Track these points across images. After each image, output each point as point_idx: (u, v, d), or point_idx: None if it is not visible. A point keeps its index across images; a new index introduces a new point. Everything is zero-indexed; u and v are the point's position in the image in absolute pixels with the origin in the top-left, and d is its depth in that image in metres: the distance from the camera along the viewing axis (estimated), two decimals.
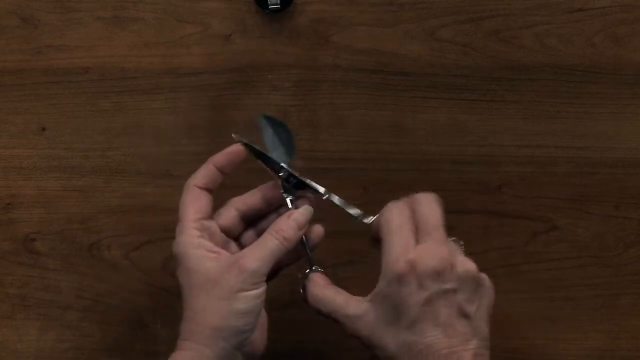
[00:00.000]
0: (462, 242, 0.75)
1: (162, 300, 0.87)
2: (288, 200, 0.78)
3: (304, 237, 0.77)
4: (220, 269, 0.74)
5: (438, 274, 0.71)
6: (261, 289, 0.74)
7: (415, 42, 0.86)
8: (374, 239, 0.76)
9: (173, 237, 0.86)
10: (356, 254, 0.87)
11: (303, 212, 0.77)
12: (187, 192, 0.77)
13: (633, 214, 0.87)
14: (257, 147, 0.77)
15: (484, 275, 0.74)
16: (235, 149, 0.77)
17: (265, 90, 0.87)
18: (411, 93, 0.86)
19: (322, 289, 0.77)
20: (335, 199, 0.78)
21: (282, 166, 0.77)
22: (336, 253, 0.87)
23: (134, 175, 0.88)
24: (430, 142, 0.87)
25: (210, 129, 0.87)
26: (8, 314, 0.88)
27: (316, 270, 0.77)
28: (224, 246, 0.77)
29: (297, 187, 0.78)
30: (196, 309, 0.74)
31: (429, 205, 0.74)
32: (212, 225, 0.77)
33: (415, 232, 0.73)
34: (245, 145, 0.77)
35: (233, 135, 0.77)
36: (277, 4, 0.85)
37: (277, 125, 0.78)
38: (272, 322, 0.87)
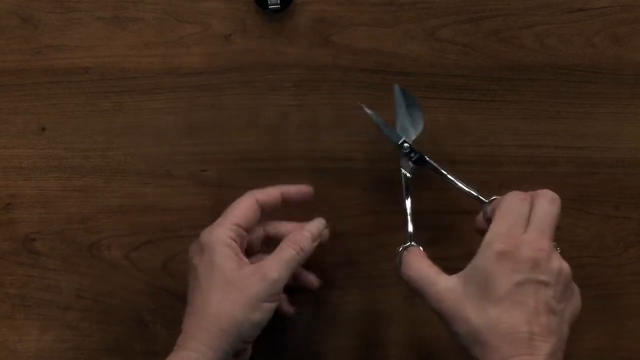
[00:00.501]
0: (559, 248, 0.76)
1: (162, 300, 0.87)
2: (405, 174, 0.82)
3: (409, 214, 0.81)
4: (243, 274, 0.77)
5: (535, 264, 0.73)
6: (276, 303, 0.78)
7: (415, 42, 0.86)
8: (485, 220, 0.79)
9: (173, 237, 0.87)
10: (355, 255, 0.86)
11: (317, 224, 0.81)
12: (245, 198, 0.80)
13: (633, 214, 0.87)
14: (382, 119, 0.82)
15: (575, 285, 0.76)
16: (308, 191, 0.82)
17: (265, 90, 0.87)
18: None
19: (418, 258, 0.78)
20: (454, 178, 0.82)
21: (404, 141, 0.81)
22: (335, 253, 0.87)
23: (134, 175, 0.88)
24: (430, 142, 0.87)
25: (210, 129, 0.87)
26: (8, 314, 0.88)
27: (414, 245, 0.80)
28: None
29: (416, 163, 0.82)
30: (209, 305, 0.76)
31: (549, 202, 0.76)
32: (246, 238, 0.80)
33: (526, 224, 0.75)
34: (370, 115, 0.81)
35: (359, 104, 0.82)
36: (277, 4, 0.85)
37: (410, 99, 0.83)
38: (273, 322, 0.87)
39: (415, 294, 0.77)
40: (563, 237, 0.87)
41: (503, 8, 0.86)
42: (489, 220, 0.77)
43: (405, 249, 0.80)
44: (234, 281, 0.76)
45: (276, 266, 0.77)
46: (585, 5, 0.86)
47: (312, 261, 0.87)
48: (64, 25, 0.86)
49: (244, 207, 0.80)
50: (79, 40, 0.87)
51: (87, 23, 0.86)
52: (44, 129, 0.88)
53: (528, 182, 0.86)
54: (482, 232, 0.76)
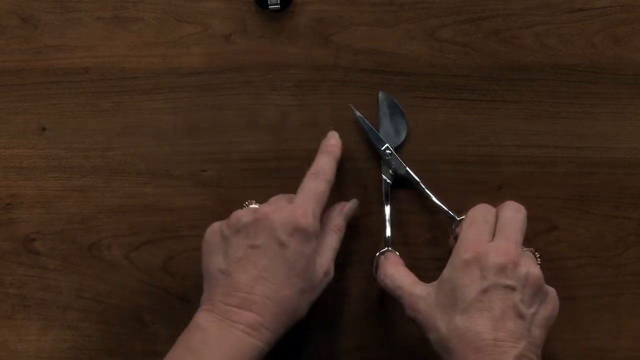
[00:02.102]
0: (538, 254, 0.79)
1: (162, 300, 0.87)
2: (385, 180, 0.84)
3: (387, 220, 0.84)
4: (315, 268, 0.78)
5: (500, 269, 0.74)
6: None
7: (415, 42, 0.86)
8: (455, 238, 0.80)
9: (173, 237, 0.87)
10: (355, 254, 0.86)
11: (352, 206, 0.84)
12: (325, 186, 0.80)
13: (633, 214, 0.87)
14: (369, 122, 0.84)
15: (551, 288, 0.77)
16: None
17: (265, 90, 0.87)
18: (411, 93, 0.86)
19: (395, 265, 0.81)
20: (429, 192, 0.84)
21: (387, 147, 0.84)
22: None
23: (134, 175, 0.88)
24: (430, 142, 0.87)
25: (210, 129, 0.87)
26: (8, 314, 0.88)
27: (391, 251, 0.83)
28: None
29: (395, 172, 0.84)
30: (287, 293, 0.76)
31: (514, 211, 0.79)
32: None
33: (492, 233, 0.77)
34: (358, 118, 0.83)
35: (350, 105, 0.84)
36: (277, 4, 0.85)
37: (394, 107, 0.85)
38: None
39: (391, 297, 0.80)
40: (563, 237, 0.87)
41: (503, 8, 0.86)
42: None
43: (382, 254, 0.82)
44: (309, 274, 0.77)
45: (328, 256, 0.79)
46: (585, 5, 0.86)
47: None
48: (64, 25, 0.86)
49: (325, 198, 0.80)
50: (79, 40, 0.87)
51: (87, 23, 0.86)
52: (44, 129, 0.88)
53: (528, 182, 0.87)
54: None
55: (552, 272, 0.87)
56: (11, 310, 0.88)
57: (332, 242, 0.80)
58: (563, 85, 0.86)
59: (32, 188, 0.88)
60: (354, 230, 0.86)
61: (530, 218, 0.84)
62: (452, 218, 0.83)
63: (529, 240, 0.86)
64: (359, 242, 0.87)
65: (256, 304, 0.74)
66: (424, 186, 0.84)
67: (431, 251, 0.87)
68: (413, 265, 0.82)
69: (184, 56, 0.87)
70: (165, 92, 0.87)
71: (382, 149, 0.84)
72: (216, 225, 0.79)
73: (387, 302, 0.87)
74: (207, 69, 0.87)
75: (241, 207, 0.80)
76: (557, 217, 0.87)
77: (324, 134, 0.85)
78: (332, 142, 0.83)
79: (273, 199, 0.81)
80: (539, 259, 0.79)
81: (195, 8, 0.86)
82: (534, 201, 0.86)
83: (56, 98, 0.87)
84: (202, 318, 0.75)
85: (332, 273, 0.79)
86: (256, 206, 0.79)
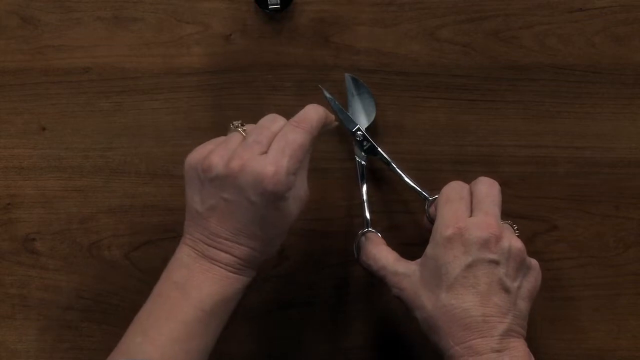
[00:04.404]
0: (515, 226, 0.78)
1: None
2: (359, 161, 0.84)
3: (365, 201, 0.83)
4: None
5: (484, 244, 0.74)
6: None
7: (415, 42, 0.86)
8: (428, 221, 0.80)
9: (173, 237, 0.87)
10: (352, 255, 0.86)
11: (332, 118, 0.79)
12: (307, 140, 0.75)
13: (633, 214, 0.87)
14: (339, 104, 0.83)
15: (533, 260, 0.77)
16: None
17: (265, 90, 0.87)
18: (411, 93, 0.86)
19: (377, 246, 0.80)
20: (401, 172, 0.83)
21: (358, 128, 0.83)
22: (333, 253, 0.87)
23: (134, 175, 0.88)
24: (430, 142, 0.87)
25: (210, 129, 0.87)
26: (8, 314, 0.88)
27: (372, 231, 0.82)
28: None
29: (368, 153, 0.84)
30: (272, 239, 0.75)
31: (488, 185, 0.78)
32: None
33: (469, 209, 0.77)
34: (329, 100, 0.82)
35: (319, 86, 0.83)
36: (277, 4, 0.85)
37: (362, 88, 0.84)
38: (273, 322, 0.87)
39: (376, 279, 0.79)
40: (563, 237, 0.87)
41: (503, 8, 0.86)
42: (432, 221, 0.78)
43: (363, 234, 0.81)
44: (285, 218, 0.74)
45: (302, 186, 0.75)
46: (585, 5, 0.86)
47: (310, 261, 0.87)
48: (64, 25, 0.86)
49: (303, 151, 0.74)
50: (79, 40, 0.87)
51: (87, 23, 0.86)
52: (44, 129, 0.88)
53: (528, 182, 0.87)
54: (430, 232, 0.77)
55: (552, 272, 0.87)
56: (11, 310, 0.88)
57: (305, 159, 0.75)
58: (563, 85, 0.86)
59: (32, 188, 0.88)
60: (352, 228, 0.86)
61: (530, 218, 0.84)
62: (426, 198, 0.82)
63: (529, 240, 0.86)
64: (352, 243, 0.87)
65: (235, 249, 0.74)
66: (395, 166, 0.83)
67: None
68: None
69: (184, 56, 0.87)
70: (165, 92, 0.87)
71: (354, 130, 0.83)
72: (194, 161, 0.75)
73: (387, 302, 0.87)
74: (207, 69, 0.87)
75: None
76: (557, 217, 0.87)
77: (323, 134, 0.85)
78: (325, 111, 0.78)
79: (254, 133, 0.75)
80: (517, 231, 0.78)
81: (195, 8, 0.86)
82: (534, 201, 0.86)
83: (56, 98, 0.87)
84: (185, 254, 0.75)
85: (307, 194, 0.76)
86: (241, 130, 0.76)
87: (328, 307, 0.87)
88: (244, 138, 0.75)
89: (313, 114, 0.76)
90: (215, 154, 0.74)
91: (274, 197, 0.72)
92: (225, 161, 0.73)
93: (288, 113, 0.87)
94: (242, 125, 0.76)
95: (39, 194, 0.88)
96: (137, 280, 0.88)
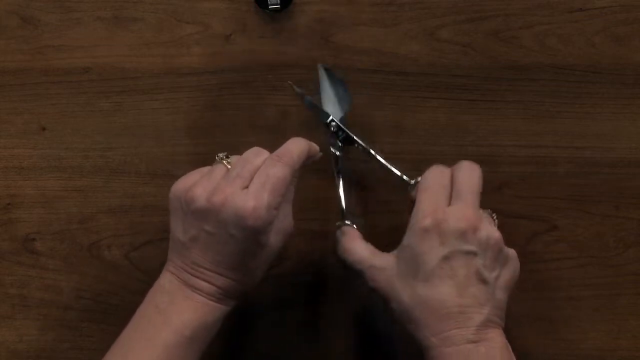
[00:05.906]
0: (494, 215, 0.77)
1: None
2: (334, 153, 0.83)
3: (341, 193, 0.83)
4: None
5: (461, 234, 0.73)
6: None
7: (415, 42, 0.86)
8: (412, 202, 0.78)
9: None
10: None
11: (316, 150, 0.79)
12: (287, 175, 0.75)
13: (633, 214, 0.87)
14: (311, 98, 0.82)
15: (511, 250, 0.76)
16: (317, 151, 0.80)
17: (265, 90, 0.87)
18: (411, 93, 0.86)
19: (352, 240, 0.80)
20: (381, 157, 0.82)
21: (332, 120, 0.82)
22: (332, 253, 0.87)
23: (134, 175, 0.88)
24: (430, 142, 0.87)
25: (210, 129, 0.87)
26: (8, 314, 0.88)
27: (348, 225, 0.81)
28: None
29: (344, 142, 0.83)
30: (253, 273, 0.76)
31: (468, 172, 0.77)
32: None
33: (449, 197, 0.76)
34: (299, 94, 0.82)
35: (289, 82, 0.83)
36: (277, 4, 0.85)
37: (335, 79, 0.84)
38: (272, 322, 0.87)
39: (353, 273, 0.78)
40: (563, 237, 0.87)
41: (503, 8, 0.86)
42: (414, 204, 0.77)
43: (339, 228, 0.81)
44: (267, 252, 0.75)
45: (286, 220, 0.76)
46: (585, 5, 0.86)
47: (310, 261, 0.87)
48: (64, 25, 0.87)
49: (284, 185, 0.74)
50: (79, 40, 0.87)
51: (87, 23, 0.87)
52: (44, 129, 0.88)
53: (528, 182, 0.87)
54: None
55: (552, 272, 0.87)
56: (11, 310, 0.88)
57: (289, 194, 0.76)
58: (563, 85, 0.86)
59: (32, 188, 0.88)
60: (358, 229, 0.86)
61: (530, 218, 0.84)
62: (407, 183, 0.81)
63: (529, 240, 0.86)
64: None
65: (215, 279, 0.75)
66: (374, 152, 0.83)
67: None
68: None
69: (184, 56, 0.87)
70: (165, 92, 0.87)
71: (327, 121, 0.83)
72: (178, 192, 0.76)
73: None
74: (207, 69, 0.87)
75: None
76: (557, 217, 0.87)
77: (323, 134, 0.85)
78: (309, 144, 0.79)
79: (237, 167, 0.75)
80: (495, 220, 0.78)
81: (195, 8, 0.86)
82: (534, 201, 0.86)
83: (56, 98, 0.87)
84: (168, 281, 0.76)
85: (291, 226, 0.77)
86: (225, 162, 0.76)
87: (328, 307, 0.87)
88: (228, 171, 0.75)
89: (294, 147, 0.77)
90: (199, 186, 0.75)
91: (254, 232, 0.73)
92: (208, 194, 0.74)
93: (288, 113, 0.87)
94: (227, 157, 0.77)
95: (39, 194, 0.88)
96: (137, 280, 0.88)
